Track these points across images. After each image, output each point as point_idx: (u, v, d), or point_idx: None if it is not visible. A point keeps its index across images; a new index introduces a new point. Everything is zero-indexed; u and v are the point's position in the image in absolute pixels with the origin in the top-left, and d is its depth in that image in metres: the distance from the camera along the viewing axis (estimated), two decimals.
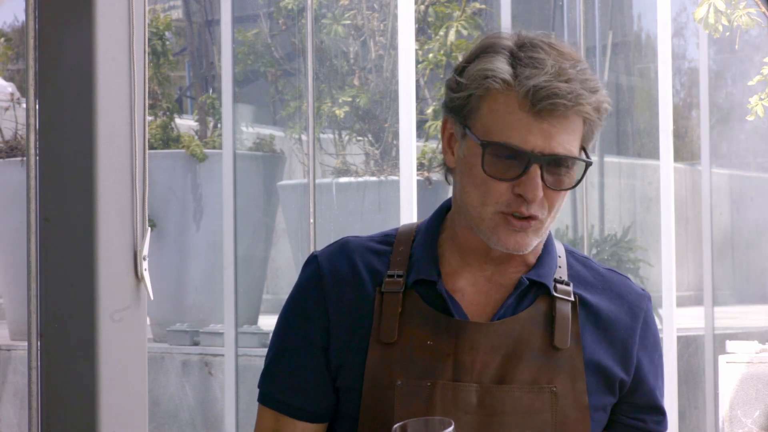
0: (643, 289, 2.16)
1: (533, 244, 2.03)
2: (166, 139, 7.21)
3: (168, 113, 7.29)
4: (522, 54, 1.99)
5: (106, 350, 2.81)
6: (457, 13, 7.07)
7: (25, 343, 2.96)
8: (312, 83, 6.19)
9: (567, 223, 7.79)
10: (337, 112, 6.75)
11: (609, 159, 8.29)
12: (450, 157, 2.07)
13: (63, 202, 2.85)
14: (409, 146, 5.15)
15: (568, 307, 2.07)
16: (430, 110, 7.13)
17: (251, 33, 7.14)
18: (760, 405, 5.78)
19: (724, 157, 8.24)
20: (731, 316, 7.98)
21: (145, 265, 2.91)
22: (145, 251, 2.91)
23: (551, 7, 8.26)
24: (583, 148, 2.03)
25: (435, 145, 7.08)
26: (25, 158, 3.37)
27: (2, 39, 7.40)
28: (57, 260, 2.86)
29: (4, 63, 7.61)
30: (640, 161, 8.55)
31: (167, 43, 7.41)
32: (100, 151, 2.82)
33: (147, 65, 2.90)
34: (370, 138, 6.88)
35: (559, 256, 2.12)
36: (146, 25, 2.91)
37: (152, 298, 2.90)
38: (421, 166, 6.92)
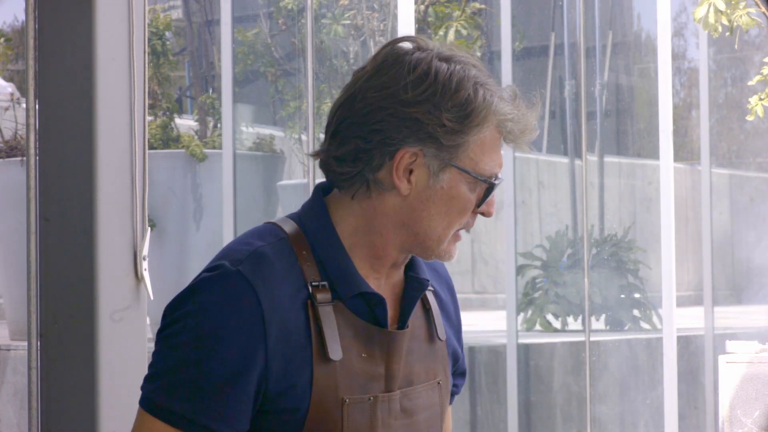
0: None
1: None
2: (166, 139, 7.21)
3: (168, 113, 7.29)
4: (487, 81, 2.02)
5: (106, 350, 2.81)
6: (456, 13, 7.07)
7: (25, 343, 2.96)
8: (312, 83, 6.19)
9: (567, 224, 7.79)
10: None
11: (609, 159, 8.29)
12: (405, 184, 1.97)
13: (63, 202, 2.85)
14: None
15: (434, 298, 2.10)
16: None
17: (251, 33, 7.14)
18: (760, 405, 5.78)
19: (724, 157, 8.24)
20: (731, 316, 7.97)
21: (145, 265, 2.91)
22: (145, 251, 2.91)
23: (551, 7, 8.26)
24: None
25: None
26: (25, 158, 3.37)
27: (2, 39, 7.40)
28: (57, 260, 2.86)
29: (3, 63, 7.60)
30: (640, 161, 8.55)
31: (167, 43, 7.41)
32: (100, 151, 2.82)
33: (147, 65, 2.90)
34: None
35: None
36: (146, 25, 2.91)
37: (152, 298, 2.90)
38: None
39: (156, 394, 1.94)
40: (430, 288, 2.08)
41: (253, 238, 2.00)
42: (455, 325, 2.14)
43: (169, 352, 1.95)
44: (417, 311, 2.06)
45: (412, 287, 2.05)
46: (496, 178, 1.99)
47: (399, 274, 2.06)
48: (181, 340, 1.94)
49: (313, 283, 1.96)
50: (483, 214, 2.00)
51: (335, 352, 1.94)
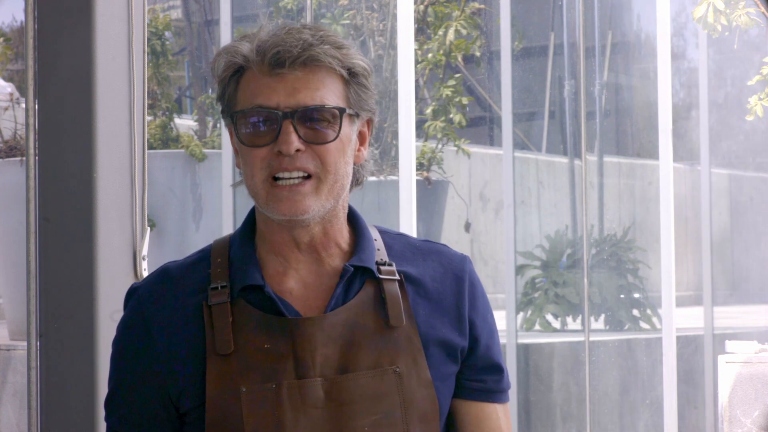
0: (461, 254, 2.17)
1: (314, 207, 2.03)
2: (166, 139, 7.21)
3: (167, 113, 7.29)
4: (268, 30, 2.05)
5: (105, 350, 2.81)
6: (456, 13, 7.07)
7: (25, 343, 2.96)
8: None
9: (567, 223, 7.78)
10: None
11: (609, 159, 8.29)
12: (237, 157, 2.09)
13: (63, 202, 2.85)
14: (409, 146, 5.14)
15: (396, 286, 2.08)
16: (429, 110, 7.13)
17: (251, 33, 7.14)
18: (760, 405, 5.78)
19: (724, 157, 8.24)
20: (731, 316, 7.97)
21: (144, 265, 2.91)
22: (145, 251, 2.91)
23: (551, 7, 8.26)
24: (351, 106, 2.05)
25: (434, 144, 7.09)
26: (24, 158, 3.37)
27: (1, 39, 7.39)
28: (57, 260, 2.86)
29: (3, 63, 7.60)
30: (639, 161, 8.55)
31: (167, 43, 7.41)
32: (99, 151, 2.82)
33: (146, 65, 2.90)
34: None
35: (375, 239, 2.13)
36: (145, 25, 2.91)
37: None
38: (420, 166, 6.92)
39: (105, 405, 2.13)
40: (393, 277, 2.08)
41: (191, 253, 2.15)
42: (451, 315, 2.11)
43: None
44: (365, 300, 2.06)
45: (342, 276, 2.06)
46: (250, 108, 2.00)
47: (333, 263, 2.08)
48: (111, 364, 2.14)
49: (212, 287, 2.04)
50: (280, 153, 2.01)
51: (224, 346, 2.00)
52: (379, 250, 2.11)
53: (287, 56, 1.99)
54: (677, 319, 6.12)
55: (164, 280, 2.08)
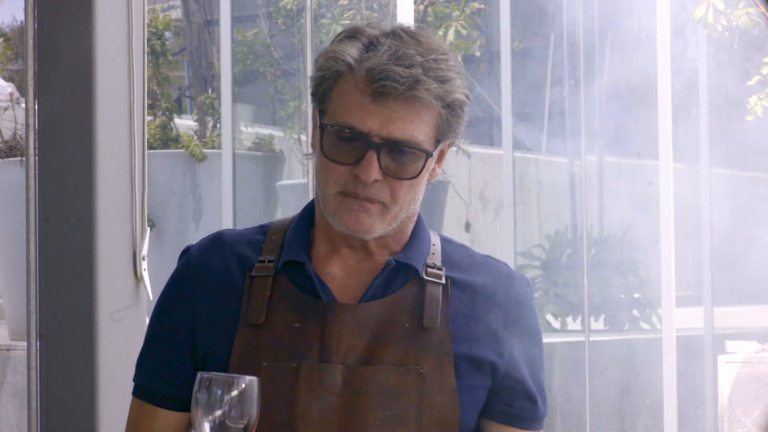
0: (521, 275, 2.16)
1: (377, 228, 2.03)
2: (166, 139, 7.20)
3: (167, 113, 7.29)
4: (382, 41, 2.01)
5: (106, 350, 2.81)
6: (456, 13, 7.07)
7: (25, 343, 2.96)
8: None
9: (567, 224, 7.78)
10: None
11: (609, 159, 8.29)
12: (315, 144, 2.08)
13: (63, 202, 2.85)
14: None
15: (439, 290, 2.07)
16: None
17: (250, 33, 7.14)
18: (760, 405, 5.78)
19: (724, 157, 8.23)
20: (731, 316, 7.97)
21: (144, 265, 2.91)
22: (145, 251, 2.92)
23: (551, 7, 8.26)
24: (438, 140, 2.03)
25: None
26: (24, 158, 3.37)
27: (1, 39, 7.39)
28: (57, 260, 2.86)
29: (3, 63, 7.60)
30: (640, 161, 8.55)
31: (166, 43, 7.40)
32: (99, 151, 2.82)
33: (146, 65, 2.90)
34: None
35: (433, 244, 2.12)
36: (145, 25, 2.91)
37: (152, 298, 2.90)
38: None
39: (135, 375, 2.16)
40: (438, 281, 2.07)
41: (250, 227, 2.20)
42: (491, 332, 2.08)
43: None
44: (404, 297, 2.06)
45: (384, 268, 2.07)
46: (342, 126, 2.00)
47: (381, 259, 2.08)
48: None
49: (259, 259, 2.08)
50: (358, 177, 2.00)
51: (256, 317, 2.03)
52: (433, 254, 2.11)
53: (392, 91, 1.97)
54: (677, 319, 6.12)
55: (217, 246, 2.12)
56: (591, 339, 6.83)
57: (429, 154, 2.02)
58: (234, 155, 6.33)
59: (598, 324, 7.50)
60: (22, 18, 3.10)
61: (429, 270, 2.08)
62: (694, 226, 7.83)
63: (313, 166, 2.09)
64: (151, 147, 6.95)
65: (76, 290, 2.83)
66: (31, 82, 2.87)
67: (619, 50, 8.39)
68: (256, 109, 7.42)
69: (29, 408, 2.89)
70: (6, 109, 6.77)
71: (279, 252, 2.08)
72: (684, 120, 8.27)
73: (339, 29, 6.86)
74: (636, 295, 7.62)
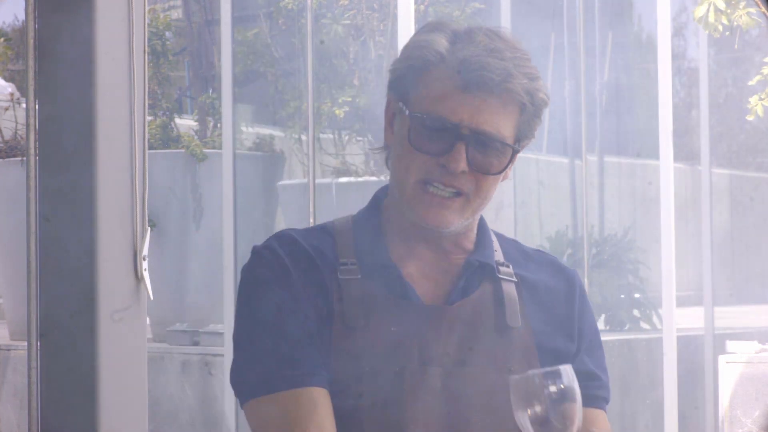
0: (571, 267, 2.21)
1: (456, 223, 2.04)
2: (166, 139, 7.20)
3: (168, 113, 7.29)
4: (471, 35, 2.03)
5: (106, 350, 2.81)
6: (456, 13, 7.07)
7: (25, 343, 2.96)
8: (312, 83, 6.19)
9: (567, 223, 7.78)
10: (337, 112, 6.75)
11: (609, 159, 8.29)
12: (390, 136, 2.08)
13: (63, 202, 2.85)
14: None
15: (513, 288, 2.10)
16: None
17: (251, 33, 7.14)
18: (760, 405, 5.78)
19: (724, 157, 8.24)
20: (731, 316, 7.97)
21: (145, 265, 2.91)
22: (145, 251, 2.91)
23: (551, 7, 8.26)
24: (518, 138, 2.06)
25: None
26: (25, 158, 3.38)
27: (2, 39, 7.39)
28: (57, 260, 2.86)
29: (3, 63, 7.60)
30: (640, 161, 8.55)
31: (167, 42, 7.40)
32: (100, 151, 2.82)
33: (147, 65, 2.90)
34: (370, 138, 6.87)
35: (493, 240, 2.15)
36: (146, 25, 2.91)
37: (152, 298, 2.90)
38: None
39: (239, 381, 2.07)
40: (511, 278, 2.10)
41: (308, 227, 2.18)
42: (563, 323, 2.13)
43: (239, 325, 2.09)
44: (484, 296, 2.08)
45: (466, 269, 2.08)
46: (432, 115, 1.99)
47: (456, 257, 2.09)
48: (242, 312, 2.09)
49: (341, 261, 2.05)
50: (444, 167, 2.00)
51: (354, 321, 2.01)
52: (497, 251, 2.13)
53: (488, 81, 1.98)
54: (678, 319, 6.12)
55: (291, 240, 2.08)
56: None
57: (516, 150, 2.05)
58: (234, 155, 6.32)
59: (598, 324, 7.49)
60: (23, 18, 3.10)
61: (500, 268, 2.11)
62: (694, 226, 7.83)
63: (393, 157, 2.06)
64: (151, 147, 6.95)
65: (76, 290, 2.83)
66: (31, 82, 2.87)
67: (619, 50, 8.39)
68: (257, 109, 7.42)
69: (29, 408, 2.89)
70: (6, 109, 6.78)
71: (354, 254, 2.07)
72: (684, 120, 8.28)
73: (339, 29, 6.87)
74: (636, 295, 7.62)
